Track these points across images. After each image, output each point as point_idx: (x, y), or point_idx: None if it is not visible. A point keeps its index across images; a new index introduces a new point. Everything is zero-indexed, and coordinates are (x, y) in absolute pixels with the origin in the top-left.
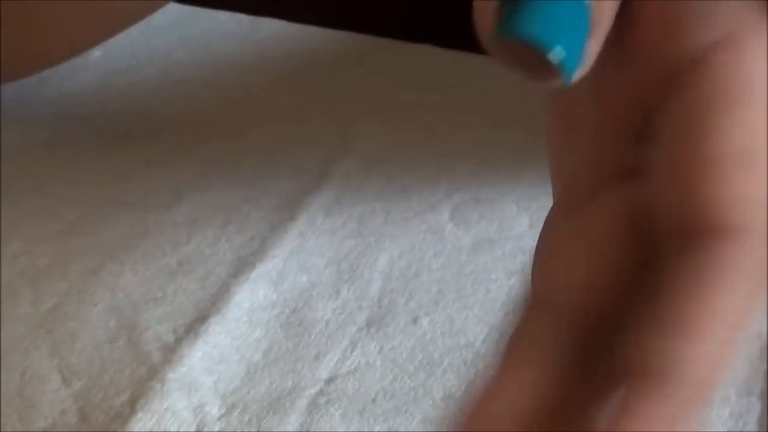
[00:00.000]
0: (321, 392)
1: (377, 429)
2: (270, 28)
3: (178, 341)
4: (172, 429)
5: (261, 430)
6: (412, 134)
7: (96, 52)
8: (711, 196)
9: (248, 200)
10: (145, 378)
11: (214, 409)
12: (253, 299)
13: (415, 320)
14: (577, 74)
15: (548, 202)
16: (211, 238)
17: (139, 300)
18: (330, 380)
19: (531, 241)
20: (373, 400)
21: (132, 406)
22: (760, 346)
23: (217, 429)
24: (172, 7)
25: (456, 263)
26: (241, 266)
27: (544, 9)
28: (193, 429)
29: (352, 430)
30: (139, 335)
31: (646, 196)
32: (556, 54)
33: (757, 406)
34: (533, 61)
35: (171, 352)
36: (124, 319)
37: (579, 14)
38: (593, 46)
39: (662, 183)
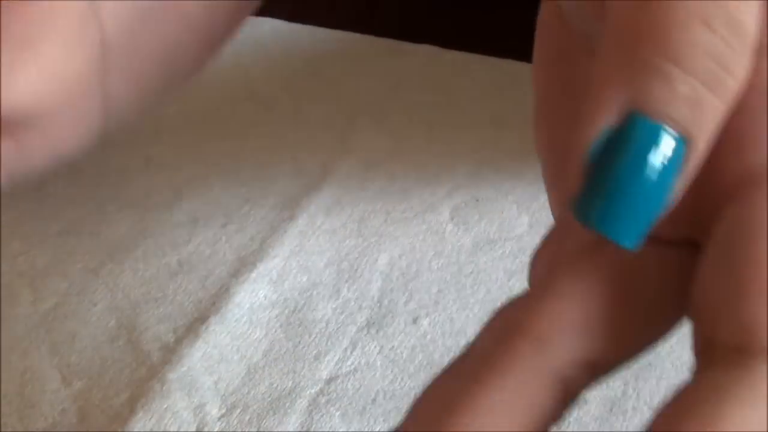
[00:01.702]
0: (321, 392)
1: (377, 429)
2: (270, 28)
3: (178, 341)
4: (172, 429)
5: (261, 430)
6: (412, 134)
7: None
8: (759, 321)
9: (248, 200)
10: (145, 378)
11: (214, 409)
12: (253, 299)
13: (415, 320)
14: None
15: (548, 203)
16: (211, 238)
17: (139, 300)
18: (330, 380)
19: (531, 241)
20: (373, 400)
21: (132, 406)
22: None
23: (217, 429)
24: None
25: (456, 263)
26: (241, 266)
27: (621, 204)
28: (193, 429)
29: (352, 430)
30: (139, 335)
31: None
32: (626, 244)
33: None
34: None
35: (171, 352)
36: (124, 319)
37: (657, 203)
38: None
39: (716, 297)
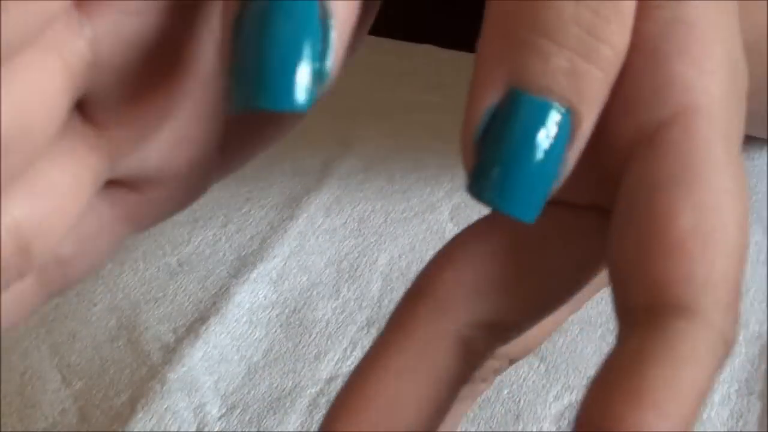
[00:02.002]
0: (321, 392)
1: None
2: None
3: (179, 341)
4: (172, 429)
5: (261, 430)
6: (412, 134)
7: None
8: (669, 279)
9: (248, 200)
10: (145, 378)
11: (214, 409)
12: (253, 299)
13: None
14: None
15: None
16: (211, 238)
17: (139, 300)
18: (330, 380)
19: None
20: None
21: (132, 406)
22: (760, 346)
23: (217, 429)
24: None
25: None
26: (242, 266)
27: (513, 180)
28: (194, 429)
29: None
30: (139, 335)
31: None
32: (522, 218)
33: (757, 406)
34: None
35: (171, 352)
36: (124, 319)
37: (549, 175)
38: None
39: (624, 259)
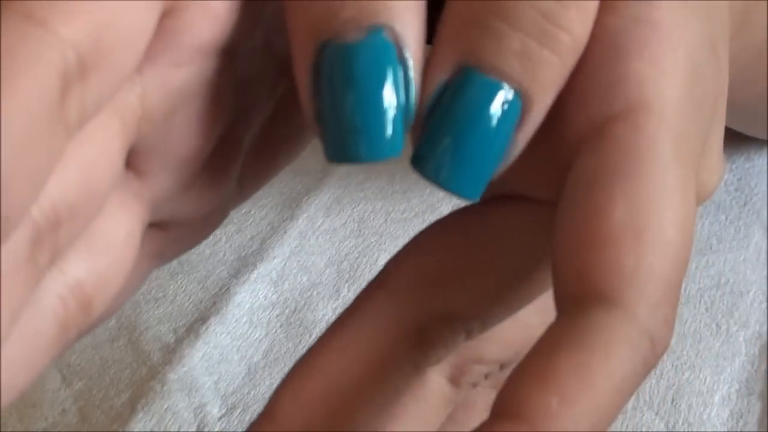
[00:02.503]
0: None
1: None
2: None
3: (179, 341)
4: (172, 429)
5: None
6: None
7: None
8: (596, 269)
9: (249, 200)
10: (145, 378)
11: (214, 410)
12: (253, 299)
13: None
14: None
15: None
16: (211, 238)
17: (140, 300)
18: None
19: None
20: None
21: (132, 406)
22: (760, 346)
23: (217, 429)
24: None
25: None
26: (242, 266)
27: (458, 157)
28: (194, 429)
29: None
30: (139, 335)
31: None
32: (466, 196)
33: (757, 406)
34: None
35: (171, 352)
36: (124, 319)
37: (495, 156)
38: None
39: (559, 250)
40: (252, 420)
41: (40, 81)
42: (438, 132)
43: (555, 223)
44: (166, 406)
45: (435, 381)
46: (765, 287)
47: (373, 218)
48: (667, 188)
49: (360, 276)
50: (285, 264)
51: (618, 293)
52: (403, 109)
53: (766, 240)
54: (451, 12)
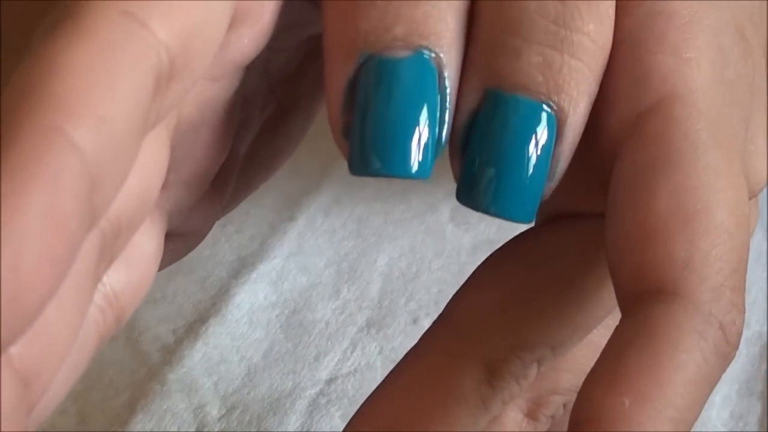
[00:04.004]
0: (321, 393)
1: None
2: None
3: (178, 342)
4: (172, 430)
5: (261, 430)
6: None
7: None
8: (649, 264)
9: (248, 200)
10: (144, 379)
11: (214, 410)
12: (253, 300)
13: (415, 321)
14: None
15: None
16: (211, 239)
17: None
18: (330, 381)
19: None
20: None
21: (132, 407)
22: (760, 346)
23: (217, 430)
24: None
25: (456, 264)
26: (241, 267)
27: (504, 184)
28: (193, 430)
29: None
30: (138, 336)
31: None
32: (520, 221)
33: (757, 407)
34: None
35: (171, 352)
36: None
37: (540, 174)
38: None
39: (613, 252)
40: (252, 420)
41: (141, 84)
42: (478, 161)
43: (605, 229)
44: (165, 407)
45: (512, 418)
46: (765, 287)
47: (373, 219)
48: (710, 173)
49: (359, 276)
50: (284, 264)
51: (676, 284)
52: (436, 134)
53: (766, 240)
54: (470, 39)
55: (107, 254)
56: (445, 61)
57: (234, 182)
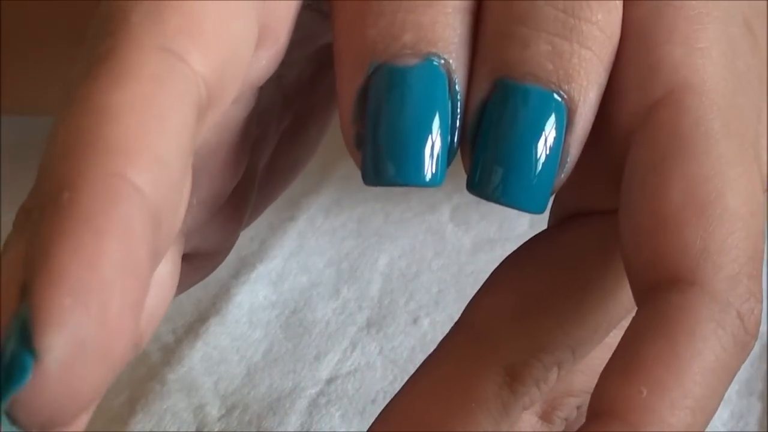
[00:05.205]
0: (321, 393)
1: None
2: None
3: (178, 342)
4: (172, 430)
5: (261, 430)
6: None
7: None
8: (664, 254)
9: None
10: (144, 378)
11: (214, 410)
12: (253, 300)
13: (415, 320)
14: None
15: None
16: None
17: None
18: (330, 380)
19: None
20: (374, 401)
21: (131, 406)
22: (760, 346)
23: (217, 429)
24: None
25: (456, 263)
26: (241, 267)
27: (516, 173)
28: (193, 430)
29: (352, 430)
30: None
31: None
32: (533, 211)
33: (757, 407)
34: None
35: (171, 352)
36: None
37: (552, 163)
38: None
39: (627, 245)
40: (252, 420)
41: (187, 119)
42: (489, 151)
43: (619, 221)
44: (165, 407)
45: (526, 420)
46: (765, 287)
47: (373, 219)
48: (723, 162)
49: (360, 276)
50: (285, 264)
51: (691, 273)
52: (448, 140)
53: (766, 240)
54: (479, 30)
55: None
56: (454, 66)
57: (254, 196)
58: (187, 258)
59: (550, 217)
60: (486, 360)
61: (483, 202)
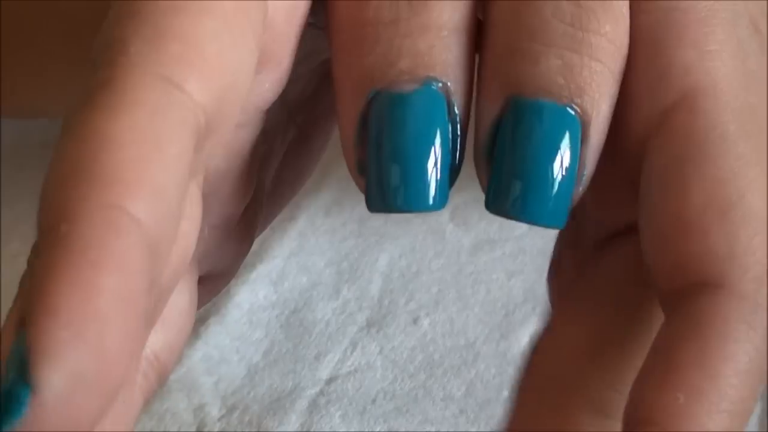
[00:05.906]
0: (321, 393)
1: (377, 429)
2: None
3: None
4: (172, 430)
5: (261, 430)
6: None
7: None
8: (690, 259)
9: None
10: None
11: (214, 410)
12: (253, 300)
13: (415, 320)
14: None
15: None
16: None
17: None
18: (330, 381)
19: (531, 241)
20: (374, 401)
21: None
22: None
23: (217, 429)
24: None
25: (456, 263)
26: (241, 266)
27: (533, 189)
28: (194, 430)
29: (352, 430)
30: None
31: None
32: (551, 226)
33: (757, 406)
34: None
35: None
36: None
37: (569, 177)
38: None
39: (649, 246)
40: (252, 420)
41: (185, 148)
42: (506, 169)
43: (639, 229)
44: (165, 407)
45: None
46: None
47: (373, 219)
48: (741, 163)
49: (360, 276)
50: (285, 264)
51: (719, 276)
52: (450, 162)
53: None
54: (486, 47)
55: (150, 320)
56: (453, 89)
57: (262, 213)
58: (200, 281)
59: (585, 240)
60: (573, 405)
61: (483, 202)
